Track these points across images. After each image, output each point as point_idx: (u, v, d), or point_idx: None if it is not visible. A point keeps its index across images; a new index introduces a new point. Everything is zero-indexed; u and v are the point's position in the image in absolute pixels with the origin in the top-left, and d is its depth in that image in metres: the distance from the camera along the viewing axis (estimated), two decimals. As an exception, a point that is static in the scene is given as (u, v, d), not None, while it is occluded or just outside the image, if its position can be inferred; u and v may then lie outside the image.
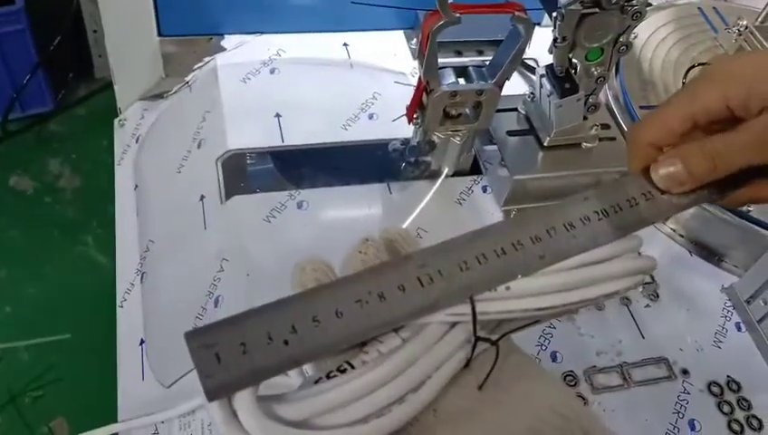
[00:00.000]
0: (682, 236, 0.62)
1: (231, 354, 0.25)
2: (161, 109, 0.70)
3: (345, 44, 0.72)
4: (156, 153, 0.67)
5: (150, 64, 0.69)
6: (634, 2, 0.51)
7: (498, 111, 0.60)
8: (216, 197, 0.58)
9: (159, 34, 0.68)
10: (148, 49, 0.69)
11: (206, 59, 0.68)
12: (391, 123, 0.65)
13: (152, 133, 0.69)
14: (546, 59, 0.58)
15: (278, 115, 0.63)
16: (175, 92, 0.70)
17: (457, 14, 0.47)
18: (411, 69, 0.71)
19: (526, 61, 0.72)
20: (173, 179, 0.63)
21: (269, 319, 0.26)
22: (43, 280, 0.97)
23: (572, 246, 0.30)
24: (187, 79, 0.69)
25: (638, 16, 0.52)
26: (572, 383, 0.51)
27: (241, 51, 0.69)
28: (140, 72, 0.71)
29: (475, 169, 0.63)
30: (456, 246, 0.29)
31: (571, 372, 0.52)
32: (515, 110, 0.64)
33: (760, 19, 0.72)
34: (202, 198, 0.59)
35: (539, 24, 0.68)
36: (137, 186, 0.66)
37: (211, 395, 0.24)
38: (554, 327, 0.53)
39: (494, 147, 0.62)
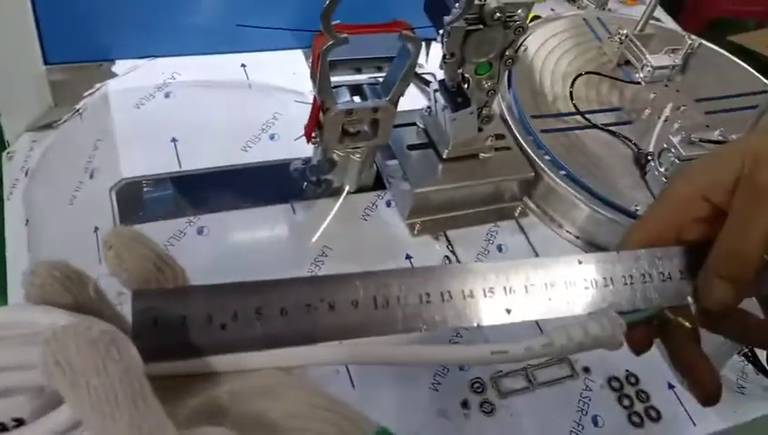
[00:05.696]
0: (578, 237, 0.64)
1: (169, 324, 0.26)
2: (51, 139, 0.67)
3: (243, 65, 0.71)
4: (46, 186, 0.64)
5: (38, 94, 0.66)
6: (516, 17, 0.53)
7: (397, 125, 0.61)
8: (111, 227, 0.56)
9: (45, 63, 0.65)
10: (35, 78, 0.65)
11: (97, 85, 0.66)
12: (293, 143, 0.64)
13: (42, 165, 0.65)
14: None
15: (174, 140, 0.62)
16: (64, 122, 0.67)
17: (344, 35, 0.48)
18: (311, 88, 0.71)
19: (424, 75, 0.74)
20: (65, 212, 0.60)
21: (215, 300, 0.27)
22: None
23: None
24: (77, 107, 0.66)
25: (521, 31, 0.55)
26: (480, 390, 0.52)
27: (133, 75, 0.67)
28: (28, 102, 0.67)
29: (378, 184, 0.64)
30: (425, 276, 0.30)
31: (479, 378, 0.53)
32: (414, 124, 0.65)
33: (638, 28, 0.76)
34: (96, 229, 0.57)
35: (435, 39, 0.70)
36: (28, 220, 0.63)
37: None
38: (461, 336, 0.54)
39: (396, 161, 0.63)
